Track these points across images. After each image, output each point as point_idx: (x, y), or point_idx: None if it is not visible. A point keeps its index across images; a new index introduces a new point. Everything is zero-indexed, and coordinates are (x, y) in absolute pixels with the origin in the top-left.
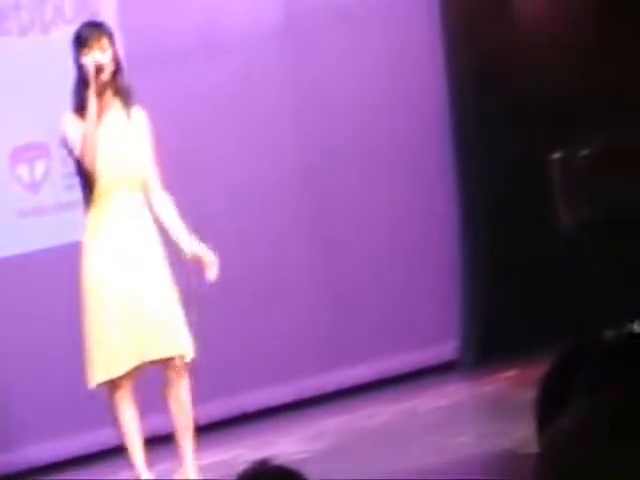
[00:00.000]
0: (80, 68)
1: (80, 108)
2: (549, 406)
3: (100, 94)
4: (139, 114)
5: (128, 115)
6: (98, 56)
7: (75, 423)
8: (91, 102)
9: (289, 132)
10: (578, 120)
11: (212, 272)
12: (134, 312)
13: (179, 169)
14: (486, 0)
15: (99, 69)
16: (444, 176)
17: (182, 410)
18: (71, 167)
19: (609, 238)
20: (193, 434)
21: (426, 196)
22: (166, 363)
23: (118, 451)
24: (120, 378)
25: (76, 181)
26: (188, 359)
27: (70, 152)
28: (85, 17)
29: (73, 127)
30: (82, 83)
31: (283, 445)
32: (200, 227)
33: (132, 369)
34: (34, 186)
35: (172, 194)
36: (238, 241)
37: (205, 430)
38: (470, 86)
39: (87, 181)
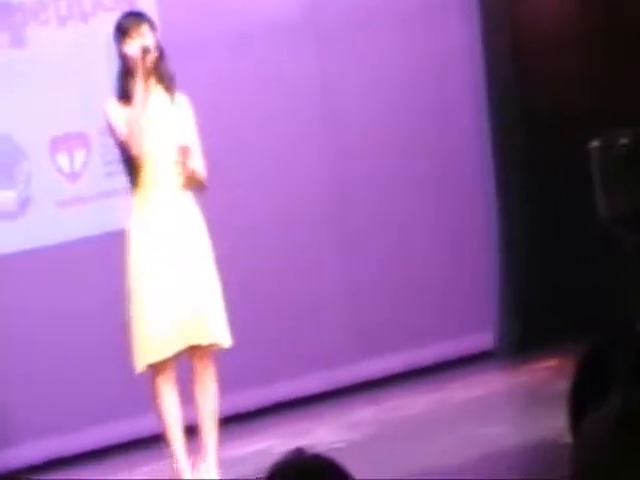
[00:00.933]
0: (123, 57)
1: (124, 96)
2: (583, 397)
3: (144, 80)
4: (183, 100)
5: (172, 101)
6: (141, 41)
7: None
8: (138, 86)
9: (316, 132)
10: (616, 108)
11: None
12: (180, 296)
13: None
14: None
15: (145, 51)
16: (482, 168)
17: (209, 400)
18: (110, 156)
19: None
20: (225, 425)
21: (465, 186)
22: (203, 350)
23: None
24: (164, 362)
25: (115, 169)
26: (224, 347)
27: (115, 138)
28: (124, 5)
29: (118, 114)
30: (125, 72)
31: (318, 435)
32: (229, 220)
33: (178, 352)
34: (74, 175)
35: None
36: (270, 237)
37: (238, 420)
38: (510, 77)
39: (132, 166)
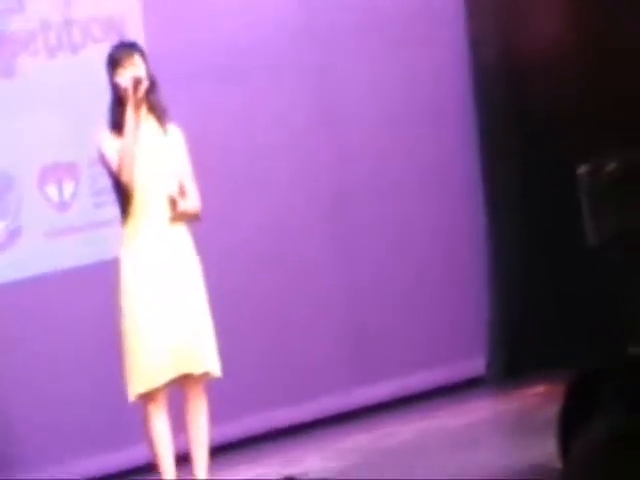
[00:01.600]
0: (115, 87)
1: (116, 126)
2: (572, 422)
3: (135, 110)
4: (175, 131)
5: (164, 131)
6: (132, 70)
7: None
8: (129, 116)
9: (315, 144)
10: (605, 133)
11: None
12: (172, 326)
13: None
14: (513, 5)
15: (137, 81)
16: (472, 189)
17: (200, 429)
18: (99, 186)
19: (637, 253)
20: (217, 453)
21: (454, 210)
22: (194, 380)
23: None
24: (156, 391)
25: (104, 200)
26: (216, 376)
27: (107, 168)
28: (113, 37)
29: (110, 144)
30: (117, 102)
31: (309, 462)
32: (226, 244)
33: (169, 381)
34: (63, 205)
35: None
36: (266, 261)
37: (230, 448)
38: (498, 98)
39: (123, 196)
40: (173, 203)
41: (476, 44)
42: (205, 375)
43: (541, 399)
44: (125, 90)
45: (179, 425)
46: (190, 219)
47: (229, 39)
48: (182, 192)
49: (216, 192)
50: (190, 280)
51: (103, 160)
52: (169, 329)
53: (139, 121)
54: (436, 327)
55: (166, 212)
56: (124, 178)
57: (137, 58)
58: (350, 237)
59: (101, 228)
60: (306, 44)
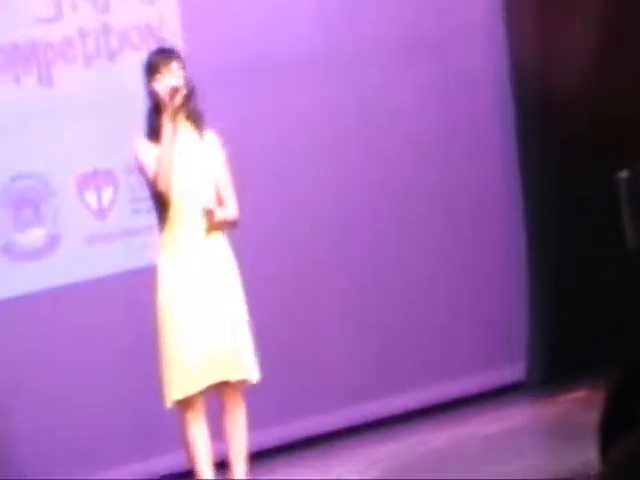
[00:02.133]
0: (152, 94)
1: (153, 133)
2: (613, 429)
3: (173, 117)
4: (212, 138)
5: (201, 138)
6: (171, 80)
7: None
8: (166, 126)
9: (351, 146)
10: None
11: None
12: (210, 332)
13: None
14: (553, 12)
15: (174, 90)
16: (509, 195)
17: (238, 435)
18: (138, 193)
19: None
20: (250, 460)
21: (493, 215)
22: (232, 387)
23: None
24: (194, 397)
25: (142, 207)
26: (253, 384)
27: (144, 176)
28: (151, 43)
29: (147, 152)
30: (154, 110)
31: (338, 471)
32: (255, 249)
33: (206, 388)
34: (102, 213)
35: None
36: (299, 269)
37: (268, 455)
38: (535, 105)
39: (161, 204)
40: (210, 214)
41: (513, 44)
42: (242, 382)
43: (581, 405)
44: (162, 99)
45: (218, 432)
46: (228, 227)
47: (267, 43)
48: (219, 200)
49: (251, 199)
50: (228, 287)
51: (140, 168)
52: (206, 336)
53: (176, 130)
54: (475, 332)
55: (203, 221)
56: (161, 188)
57: (175, 65)
58: (384, 241)
59: (139, 235)
60: (345, 48)
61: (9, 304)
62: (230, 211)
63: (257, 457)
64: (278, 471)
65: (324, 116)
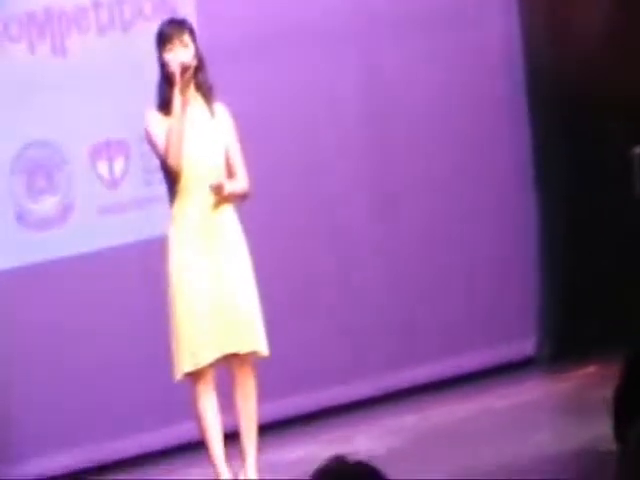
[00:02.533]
0: (163, 66)
1: (164, 105)
2: (629, 403)
3: (183, 90)
4: (222, 110)
5: (211, 110)
6: (180, 52)
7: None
8: (176, 100)
9: (360, 124)
10: None
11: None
12: (219, 304)
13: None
14: None
15: (185, 69)
16: (522, 173)
17: (249, 408)
18: (150, 163)
19: None
20: (268, 431)
21: (503, 193)
22: (242, 358)
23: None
24: (204, 369)
25: (155, 177)
26: (263, 355)
27: (154, 149)
28: (164, 14)
29: (157, 124)
30: (165, 81)
31: (359, 442)
32: (266, 223)
33: (215, 360)
34: (114, 183)
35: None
36: (310, 243)
37: (280, 427)
38: (549, 82)
39: (172, 176)
40: (218, 189)
41: (527, 28)
42: (252, 354)
43: (593, 380)
44: (172, 73)
45: (229, 404)
46: (238, 199)
47: (282, 17)
48: (230, 172)
49: (260, 171)
50: (237, 260)
51: (150, 140)
52: (216, 308)
53: (186, 105)
54: (486, 307)
55: (212, 194)
56: (171, 162)
57: (186, 37)
58: (396, 219)
59: (152, 205)
60: (359, 29)
61: (22, 272)
62: (240, 183)
63: (270, 429)
64: (291, 443)
65: (336, 89)
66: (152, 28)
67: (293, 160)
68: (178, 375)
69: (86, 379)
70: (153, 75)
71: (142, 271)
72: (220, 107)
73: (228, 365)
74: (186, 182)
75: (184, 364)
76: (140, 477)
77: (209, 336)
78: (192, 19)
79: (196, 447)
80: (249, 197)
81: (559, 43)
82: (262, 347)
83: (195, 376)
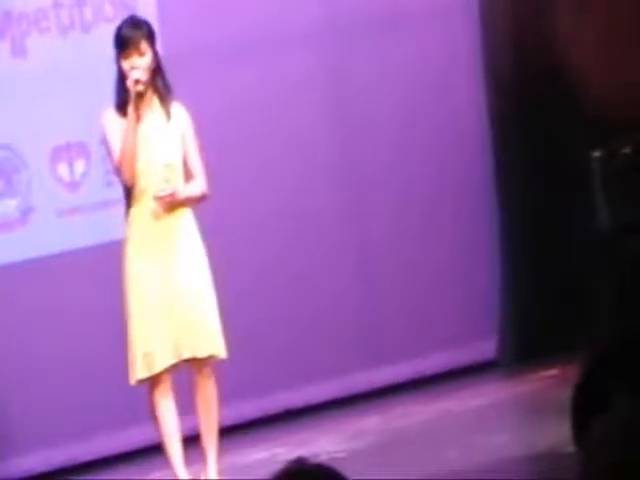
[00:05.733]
0: (119, 68)
1: (121, 105)
2: (587, 406)
3: (137, 105)
4: (179, 110)
5: (167, 112)
6: (136, 61)
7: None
8: (130, 116)
9: (325, 134)
10: (619, 117)
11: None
12: (174, 309)
13: (216, 166)
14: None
15: (137, 82)
16: (482, 174)
17: (209, 410)
18: (109, 165)
19: None
20: (229, 434)
21: (467, 194)
22: (200, 362)
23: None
24: (160, 375)
25: (116, 179)
26: (221, 358)
27: (108, 152)
28: (125, 15)
29: (113, 125)
30: (122, 82)
31: (321, 444)
32: (236, 225)
33: (171, 366)
34: (74, 185)
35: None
36: (281, 244)
37: (243, 428)
38: (510, 83)
39: (124, 185)
40: (159, 200)
41: (489, 39)
42: (210, 358)
43: (554, 382)
44: (128, 87)
45: (189, 405)
46: (195, 202)
47: (243, 17)
48: (188, 174)
49: (224, 173)
50: (192, 264)
51: (105, 142)
52: (169, 314)
53: (142, 106)
54: (448, 309)
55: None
56: (124, 176)
57: (144, 44)
58: (366, 223)
59: (112, 207)
60: (325, 31)
61: None
62: (198, 186)
63: (232, 431)
64: (253, 445)
65: (299, 93)
66: (113, 29)
67: (261, 160)
68: (133, 380)
69: (43, 383)
70: (113, 77)
71: (102, 274)
72: (178, 108)
73: (187, 368)
74: (140, 186)
75: (138, 370)
76: (117, 477)
77: (163, 342)
78: (152, 19)
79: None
80: (206, 199)
81: (518, 48)
82: (219, 350)
83: (151, 381)
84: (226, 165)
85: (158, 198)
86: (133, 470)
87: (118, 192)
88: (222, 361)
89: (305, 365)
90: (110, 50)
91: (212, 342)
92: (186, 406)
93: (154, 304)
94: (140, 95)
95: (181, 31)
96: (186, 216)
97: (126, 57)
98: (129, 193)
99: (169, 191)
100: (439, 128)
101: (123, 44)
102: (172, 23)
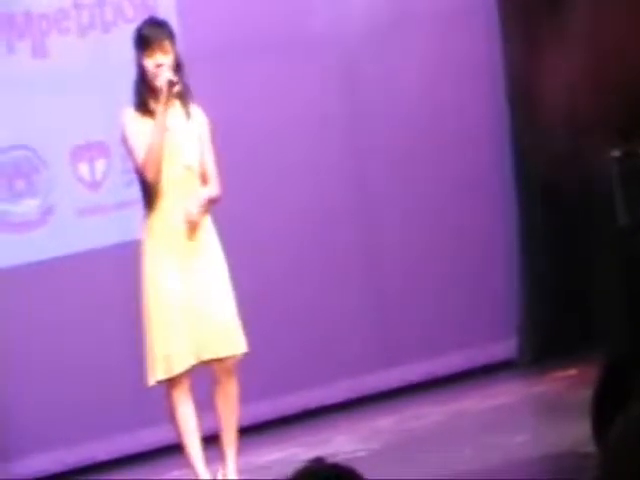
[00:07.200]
0: (141, 68)
1: (141, 105)
2: (606, 406)
3: (165, 112)
4: (198, 112)
5: (187, 113)
6: (160, 59)
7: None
8: (158, 117)
9: (339, 136)
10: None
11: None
12: (193, 310)
13: (236, 167)
14: None
15: (171, 84)
16: (502, 174)
17: (231, 409)
18: (131, 165)
19: None
20: (247, 434)
21: (486, 193)
22: (220, 362)
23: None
24: (179, 376)
25: (134, 178)
26: (240, 356)
27: (129, 152)
28: (145, 16)
29: (134, 124)
30: (143, 81)
31: (338, 443)
32: (253, 227)
33: (190, 367)
34: (95, 185)
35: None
36: (294, 244)
37: (262, 428)
38: (528, 84)
39: (146, 183)
40: (191, 224)
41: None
42: (232, 357)
43: (573, 382)
44: (151, 80)
45: (209, 404)
46: (210, 205)
47: (263, 18)
48: (203, 177)
49: (240, 175)
50: (212, 264)
51: (125, 142)
52: (190, 315)
53: (166, 117)
54: (465, 309)
55: (188, 197)
56: (150, 176)
57: (167, 43)
58: (381, 222)
59: (132, 207)
60: (343, 30)
61: (1, 275)
62: (212, 189)
63: (250, 431)
64: (271, 445)
65: (314, 94)
66: (133, 29)
67: (274, 163)
68: (151, 381)
69: (62, 382)
70: (133, 76)
71: (122, 273)
72: (196, 110)
73: (209, 367)
74: (161, 187)
75: (157, 371)
76: (133, 477)
77: (183, 343)
78: (172, 20)
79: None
80: (219, 201)
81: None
82: (240, 349)
83: (170, 382)
84: (241, 166)
85: (190, 222)
86: (146, 471)
87: (137, 192)
88: (240, 362)
89: (322, 366)
90: (130, 50)
91: (232, 343)
92: (202, 406)
93: (174, 305)
94: (173, 94)
95: (200, 32)
96: (205, 217)
97: (150, 56)
98: (149, 193)
99: (198, 210)
100: (455, 125)
101: (147, 43)
102: (191, 24)
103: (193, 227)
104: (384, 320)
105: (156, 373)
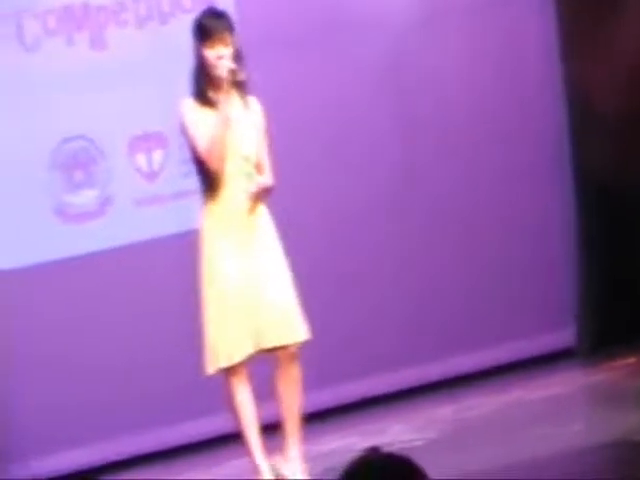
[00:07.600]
0: (200, 58)
1: (200, 95)
2: None
3: (220, 87)
4: (254, 103)
5: (245, 104)
6: (222, 51)
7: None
8: (222, 105)
9: (391, 128)
10: None
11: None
12: (253, 299)
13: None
14: None
15: (234, 73)
16: (559, 167)
17: (292, 397)
18: (187, 155)
19: None
20: (305, 422)
21: (543, 182)
22: (283, 349)
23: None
24: (238, 364)
25: (192, 169)
26: (302, 342)
27: (189, 140)
28: (203, 6)
29: (193, 115)
30: (201, 71)
31: (394, 433)
32: (300, 222)
33: (250, 355)
34: (152, 175)
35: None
36: (343, 233)
37: (318, 417)
38: (585, 77)
39: (206, 173)
40: (265, 192)
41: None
42: (294, 345)
43: (632, 370)
44: (211, 70)
45: (268, 393)
46: (265, 195)
47: (320, 9)
48: (259, 167)
49: (291, 167)
50: (271, 253)
51: (184, 131)
52: (250, 303)
53: (229, 109)
54: (524, 298)
55: (245, 186)
56: (214, 166)
57: (227, 35)
58: (430, 210)
59: (190, 197)
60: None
61: (60, 266)
62: (267, 179)
63: (308, 419)
64: (329, 434)
65: (367, 83)
66: (190, 20)
67: (321, 155)
68: (212, 370)
69: (118, 372)
70: (190, 67)
71: (179, 264)
72: (253, 101)
73: (270, 355)
74: (221, 176)
75: (218, 359)
76: (182, 469)
77: (244, 332)
78: (230, 10)
79: (234, 438)
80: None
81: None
82: (302, 336)
83: (228, 370)
84: (294, 155)
85: (252, 194)
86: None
87: (195, 182)
88: (299, 350)
89: (379, 355)
90: (187, 41)
91: (293, 330)
92: (260, 395)
93: (235, 294)
94: (234, 84)
95: (257, 24)
96: (262, 207)
97: (211, 47)
98: (210, 182)
99: (258, 186)
100: (508, 114)
101: (207, 34)
102: (249, 15)
103: (254, 205)
104: (441, 308)
105: (218, 361)
